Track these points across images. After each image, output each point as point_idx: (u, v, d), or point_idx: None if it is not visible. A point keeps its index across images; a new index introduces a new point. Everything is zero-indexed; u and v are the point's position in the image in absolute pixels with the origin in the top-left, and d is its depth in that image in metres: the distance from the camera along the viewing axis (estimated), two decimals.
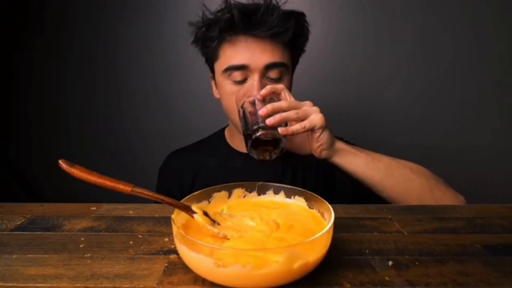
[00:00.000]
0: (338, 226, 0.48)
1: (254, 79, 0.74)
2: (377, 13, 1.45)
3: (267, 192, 0.59)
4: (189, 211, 0.48)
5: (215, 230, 0.47)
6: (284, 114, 0.63)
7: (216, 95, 0.87)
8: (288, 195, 0.58)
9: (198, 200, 0.54)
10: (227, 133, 0.93)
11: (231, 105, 0.77)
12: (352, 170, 0.71)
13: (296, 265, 0.38)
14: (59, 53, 1.57)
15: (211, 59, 0.82)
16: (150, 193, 0.46)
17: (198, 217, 0.48)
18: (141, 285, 0.41)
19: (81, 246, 0.50)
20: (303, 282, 0.41)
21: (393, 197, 0.72)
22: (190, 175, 0.89)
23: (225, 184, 0.57)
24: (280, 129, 0.62)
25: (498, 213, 0.63)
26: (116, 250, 0.49)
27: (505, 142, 1.49)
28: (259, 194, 0.59)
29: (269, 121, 0.61)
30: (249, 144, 0.64)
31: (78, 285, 0.41)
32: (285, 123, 0.65)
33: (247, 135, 0.65)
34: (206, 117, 1.44)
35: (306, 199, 0.55)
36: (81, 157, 1.58)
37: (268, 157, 0.67)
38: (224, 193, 0.57)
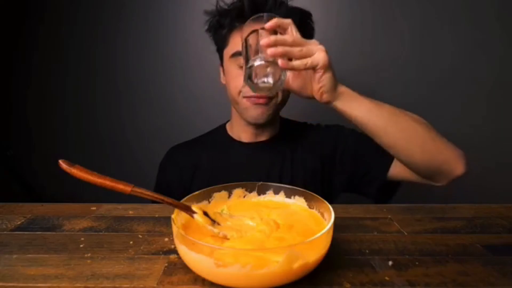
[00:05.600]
0: (338, 226, 0.48)
1: None
2: (376, 12, 1.45)
3: (267, 192, 0.59)
4: (189, 211, 0.48)
5: (215, 230, 0.47)
6: (287, 48, 0.59)
7: (223, 81, 0.90)
8: (288, 195, 0.58)
9: (198, 200, 0.54)
10: (228, 126, 0.95)
11: (236, 87, 0.80)
12: (355, 116, 0.68)
13: (296, 265, 0.38)
14: (59, 53, 1.57)
15: (221, 46, 0.85)
16: (150, 193, 0.46)
17: (198, 217, 0.48)
18: (141, 285, 0.41)
19: (81, 246, 0.50)
20: (303, 282, 0.41)
21: (396, 144, 0.70)
22: (191, 168, 0.90)
23: (225, 184, 0.57)
24: (280, 61, 0.58)
25: (499, 213, 0.63)
26: (116, 250, 0.49)
27: (506, 142, 1.49)
28: (259, 194, 0.59)
29: (271, 51, 0.58)
30: (247, 74, 0.60)
31: (78, 285, 0.41)
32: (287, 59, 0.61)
33: (247, 68, 0.61)
34: (206, 117, 1.43)
35: (306, 199, 0.55)
36: (81, 157, 1.59)
37: (265, 92, 0.63)
38: (224, 193, 0.58)
